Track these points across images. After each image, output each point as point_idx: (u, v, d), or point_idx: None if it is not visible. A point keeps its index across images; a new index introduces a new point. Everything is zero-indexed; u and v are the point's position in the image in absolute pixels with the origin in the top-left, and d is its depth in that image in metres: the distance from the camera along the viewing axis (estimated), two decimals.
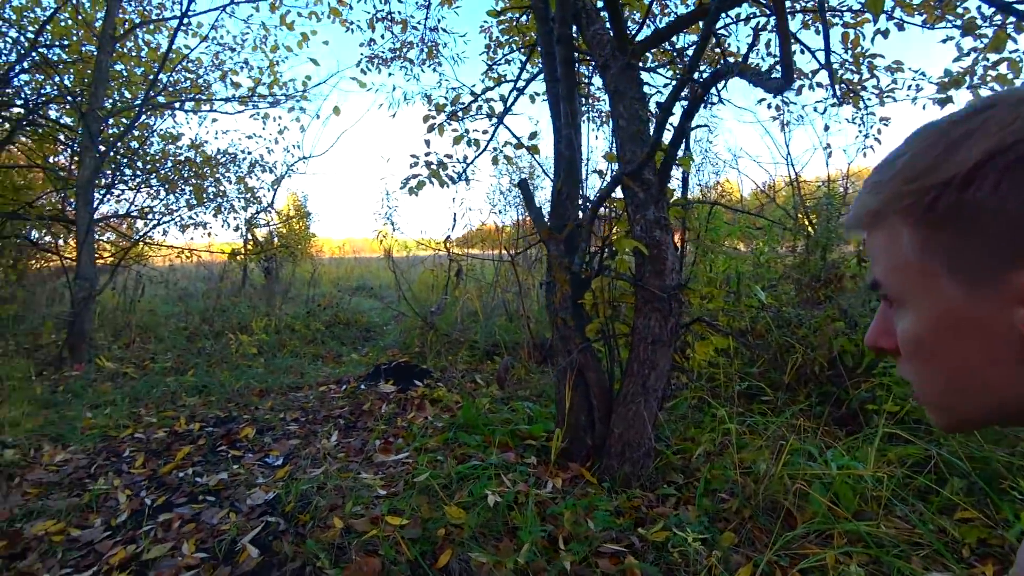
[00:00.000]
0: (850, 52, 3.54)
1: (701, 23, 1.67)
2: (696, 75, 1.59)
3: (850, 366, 2.89)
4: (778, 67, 1.40)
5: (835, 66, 3.55)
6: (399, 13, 5.13)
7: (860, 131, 4.20)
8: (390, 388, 3.67)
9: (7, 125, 5.93)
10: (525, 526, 1.77)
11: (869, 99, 3.91)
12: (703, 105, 2.13)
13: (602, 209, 2.61)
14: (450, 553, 1.73)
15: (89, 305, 4.67)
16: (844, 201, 5.85)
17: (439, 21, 5.09)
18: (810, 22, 3.55)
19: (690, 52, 2.79)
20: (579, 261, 2.37)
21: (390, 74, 5.60)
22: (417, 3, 5.01)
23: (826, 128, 5.99)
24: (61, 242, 7.01)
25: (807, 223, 5.72)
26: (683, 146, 2.59)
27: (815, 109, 4.41)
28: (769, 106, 4.52)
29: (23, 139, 6.32)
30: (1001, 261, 0.35)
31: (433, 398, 3.42)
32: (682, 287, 2.13)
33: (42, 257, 6.99)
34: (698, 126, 2.34)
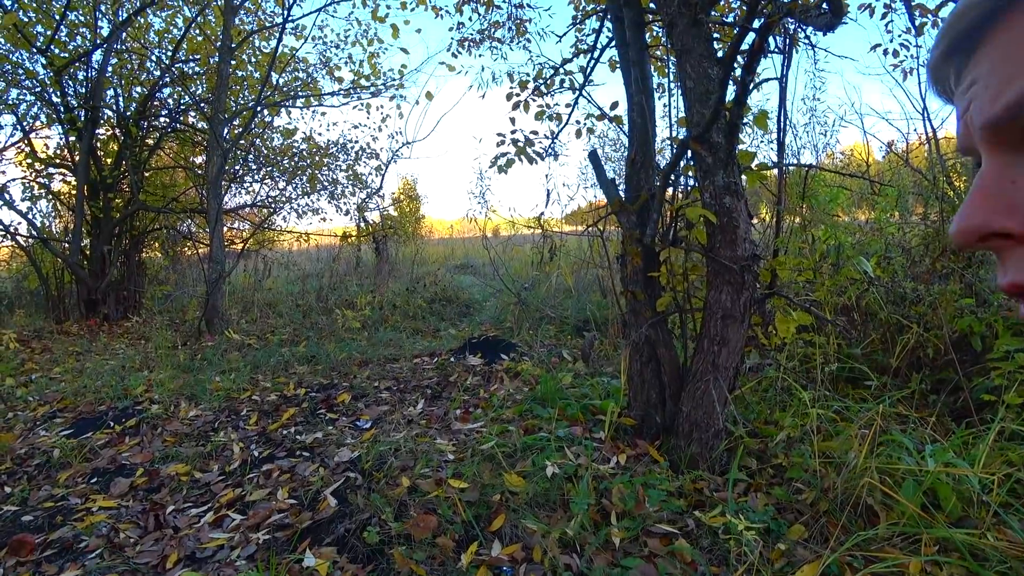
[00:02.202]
0: None
1: None
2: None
3: (978, 350, 2.51)
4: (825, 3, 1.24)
5: None
6: None
7: None
8: (477, 361, 3.79)
9: (156, 133, 6.87)
10: (576, 498, 1.77)
11: None
12: (780, 53, 1.93)
13: (681, 178, 2.49)
14: (503, 518, 1.78)
15: (220, 285, 5.31)
16: None
17: None
18: None
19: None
20: (651, 232, 2.28)
21: (480, 55, 5.69)
22: None
23: None
24: (204, 231, 8.02)
25: (946, 185, 5.00)
26: (778, 104, 2.38)
27: None
28: (886, 52, 3.97)
29: (170, 144, 7.28)
30: None
31: (516, 371, 3.48)
32: (757, 258, 1.98)
33: (191, 244, 8.04)
34: (781, 78, 2.12)
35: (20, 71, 5.74)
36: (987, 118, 0.28)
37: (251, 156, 7.15)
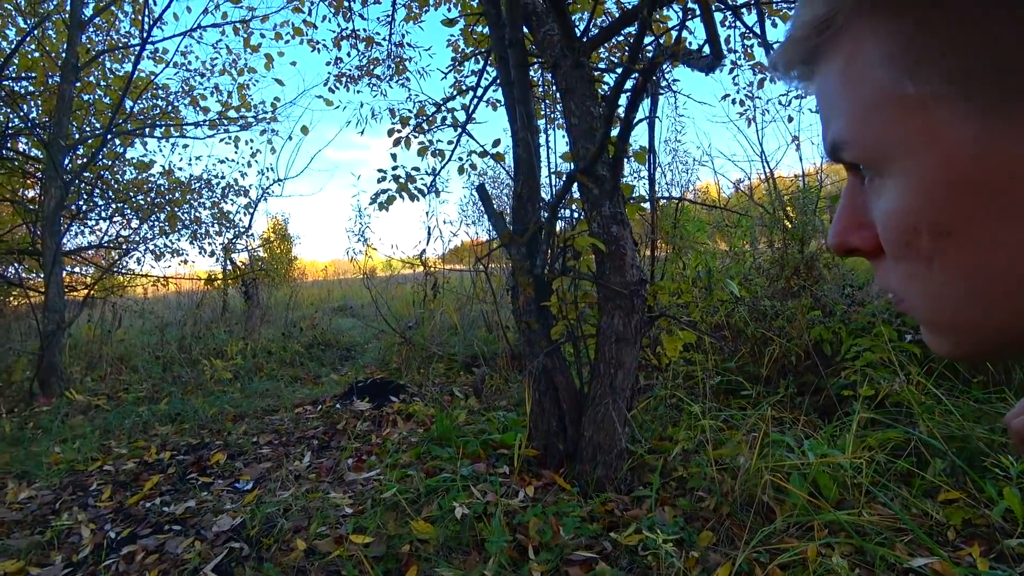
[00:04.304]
0: None
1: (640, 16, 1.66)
2: (638, 66, 1.57)
3: (828, 355, 2.86)
4: (707, 47, 1.38)
5: None
6: (364, 31, 5.12)
7: None
8: (365, 405, 3.60)
9: None
10: (491, 537, 1.71)
11: None
12: (647, 95, 2.11)
13: (566, 211, 2.59)
14: (415, 569, 1.67)
15: (58, 338, 4.57)
16: (820, 195, 5.88)
17: (403, 36, 5.09)
18: (766, 15, 3.57)
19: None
20: (541, 263, 2.33)
21: (358, 91, 5.63)
22: (379, 19, 4.98)
23: (790, 120, 6.01)
24: (36, 277, 6.90)
25: (784, 218, 5.74)
26: (647, 143, 2.58)
27: (780, 102, 4.42)
28: (734, 101, 4.52)
29: None
30: None
31: (408, 413, 3.36)
32: (644, 283, 2.09)
33: (19, 293, 6.86)
34: (649, 118, 2.32)
35: None
36: (824, 148, 0.31)
37: (97, 190, 6.33)
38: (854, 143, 0.28)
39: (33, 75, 5.81)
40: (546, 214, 2.30)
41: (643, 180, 5.21)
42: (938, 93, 0.24)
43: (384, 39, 5.08)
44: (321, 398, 4.02)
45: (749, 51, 4.31)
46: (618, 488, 2.12)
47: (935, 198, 0.25)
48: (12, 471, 2.94)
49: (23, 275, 6.65)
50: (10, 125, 5.84)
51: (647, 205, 2.85)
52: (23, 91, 5.86)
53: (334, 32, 5.03)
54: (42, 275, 5.34)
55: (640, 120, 2.44)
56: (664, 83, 3.22)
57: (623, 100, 1.99)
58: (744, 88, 4.74)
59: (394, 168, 3.52)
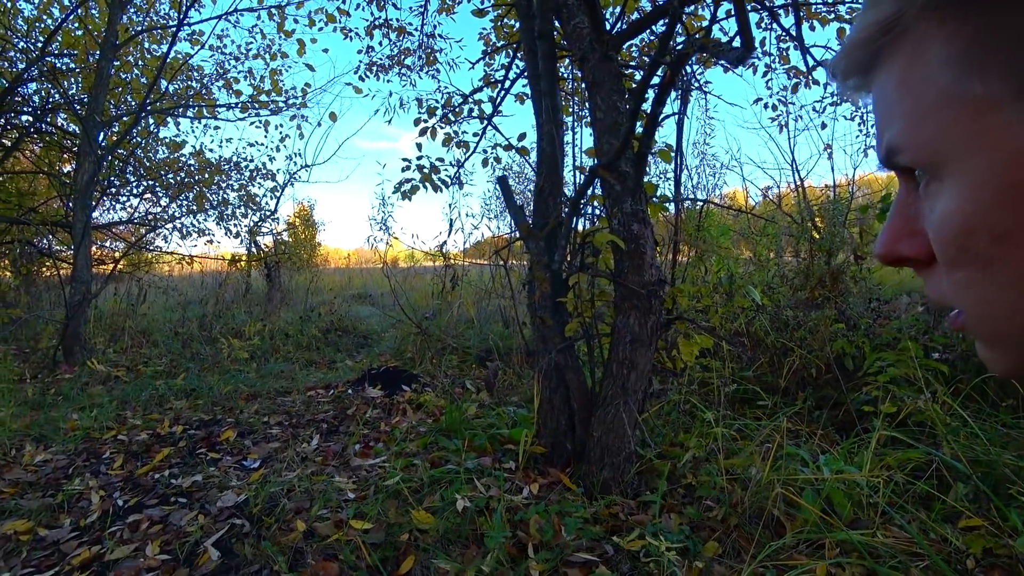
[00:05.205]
0: None
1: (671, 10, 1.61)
2: (667, 60, 1.52)
3: (850, 369, 2.78)
4: (738, 38, 1.33)
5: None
6: (396, 20, 5.12)
7: (861, 129, 4.10)
8: (377, 393, 3.61)
9: (15, 132, 6.03)
10: (491, 532, 1.68)
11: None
12: (677, 92, 2.06)
13: (588, 207, 2.55)
14: (413, 559, 1.65)
15: (84, 309, 4.67)
16: (850, 207, 5.73)
17: (435, 27, 5.07)
18: (804, 17, 3.47)
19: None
20: (559, 259, 2.30)
21: (388, 81, 5.67)
22: (412, 9, 4.99)
23: (823, 127, 5.86)
24: (68, 249, 7.08)
25: (812, 229, 5.61)
26: (675, 142, 2.53)
27: (814, 108, 4.30)
28: (766, 106, 4.42)
29: (32, 146, 6.42)
30: None
31: (419, 403, 3.35)
32: (663, 284, 2.04)
33: (50, 264, 7.06)
34: (679, 116, 2.26)
35: None
36: (878, 155, 0.30)
37: (130, 167, 6.46)
38: (912, 146, 0.28)
39: (75, 52, 5.96)
40: (567, 209, 2.26)
41: (669, 181, 5.13)
42: (1001, 94, 0.23)
43: (416, 29, 5.08)
44: (334, 383, 4.04)
45: (784, 54, 4.20)
46: (624, 491, 2.08)
47: (994, 200, 0.24)
48: (31, 434, 3.00)
49: (55, 247, 6.83)
50: (50, 100, 6.00)
51: (671, 206, 2.80)
52: (64, 67, 6.00)
53: (367, 20, 5.04)
54: (70, 247, 5.48)
55: (667, 116, 2.39)
56: (695, 83, 3.15)
57: (650, 95, 1.94)
58: (777, 93, 4.63)
59: (419, 158, 3.52)
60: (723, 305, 2.95)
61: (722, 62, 1.46)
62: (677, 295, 2.36)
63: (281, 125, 9.20)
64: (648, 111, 1.81)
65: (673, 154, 2.55)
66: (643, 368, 2.05)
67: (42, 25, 5.97)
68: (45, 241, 6.80)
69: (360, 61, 5.25)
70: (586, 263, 2.21)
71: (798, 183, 6.96)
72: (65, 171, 6.70)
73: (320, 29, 5.57)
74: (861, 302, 3.46)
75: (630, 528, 1.83)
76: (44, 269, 7.11)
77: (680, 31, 2.66)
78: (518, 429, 2.56)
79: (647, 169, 2.08)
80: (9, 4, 5.65)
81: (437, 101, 4.20)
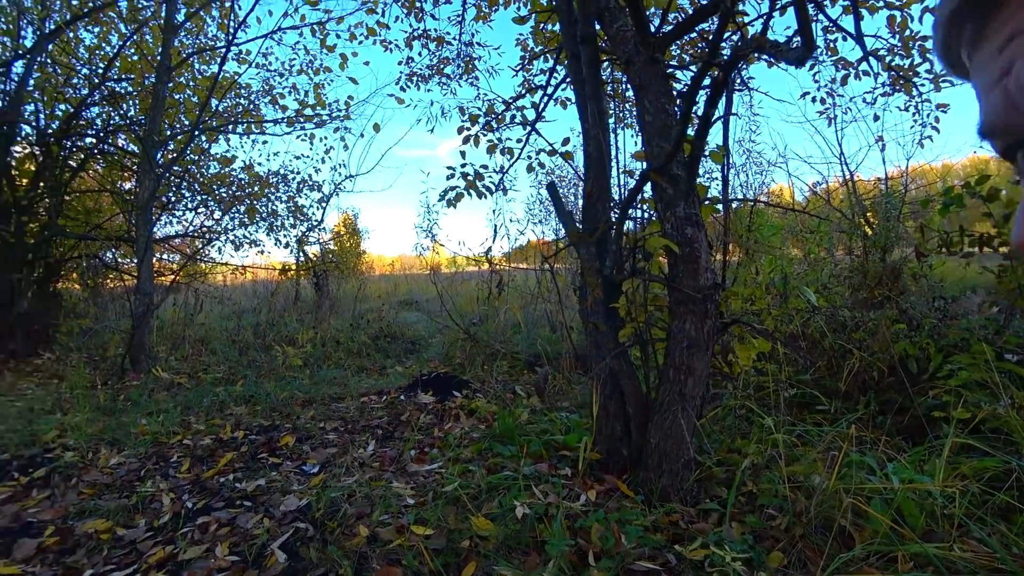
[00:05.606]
0: (898, 36, 3.30)
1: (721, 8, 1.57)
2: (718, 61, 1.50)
3: (914, 372, 2.66)
4: (797, 37, 1.30)
5: (883, 52, 3.32)
6: (435, 31, 5.21)
7: (916, 120, 3.92)
8: (429, 399, 3.66)
9: (80, 154, 6.41)
10: (552, 540, 1.69)
11: (922, 85, 3.64)
12: (727, 91, 2.02)
13: (637, 210, 2.53)
14: (474, 566, 1.67)
15: (148, 319, 4.91)
16: (904, 200, 5.49)
17: (473, 35, 5.14)
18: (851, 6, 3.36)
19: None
20: (610, 264, 2.29)
21: (428, 90, 5.77)
22: (450, 19, 5.05)
23: (876, 118, 5.61)
24: (130, 262, 7.47)
25: (864, 224, 5.40)
26: (721, 141, 2.48)
27: (864, 100, 4.15)
28: (814, 99, 4.28)
29: (95, 166, 6.81)
30: None
31: (471, 409, 3.38)
32: (718, 287, 2.01)
33: (116, 275, 7.46)
34: (724, 116, 2.22)
35: None
36: (979, 133, 0.27)
37: (184, 183, 6.77)
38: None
39: (132, 76, 6.30)
40: (616, 214, 2.25)
41: (715, 181, 5.04)
42: None
43: (454, 38, 5.16)
44: (386, 389, 4.12)
45: (832, 46, 4.07)
46: (684, 499, 2.05)
47: None
48: (105, 438, 3.17)
49: (119, 260, 7.22)
50: (112, 122, 6.35)
51: (720, 206, 2.75)
52: (123, 91, 6.35)
53: (406, 32, 5.15)
54: (135, 260, 5.77)
55: (717, 119, 2.34)
56: (740, 80, 3.07)
57: (700, 96, 1.91)
58: (826, 85, 4.48)
59: (463, 166, 3.56)
60: (777, 307, 2.87)
61: (781, 62, 1.43)
62: (730, 297, 2.32)
63: (326, 137, 9.46)
64: (699, 113, 1.79)
65: (711, 153, 2.50)
66: (700, 373, 2.02)
67: (101, 52, 6.33)
68: (109, 255, 7.20)
69: (401, 72, 5.36)
70: (638, 268, 2.19)
71: (847, 177, 6.71)
72: (126, 188, 7.08)
73: (360, 43, 5.72)
74: (923, 301, 3.31)
75: (691, 537, 1.80)
76: (108, 281, 7.52)
77: (729, 29, 2.61)
78: (573, 435, 2.56)
79: (698, 170, 2.05)
80: (71, 34, 6.01)
81: (479, 109, 4.24)
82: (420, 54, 5.31)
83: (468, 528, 1.84)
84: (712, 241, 2.21)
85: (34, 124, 5.98)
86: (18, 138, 5.80)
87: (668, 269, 2.13)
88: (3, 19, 5.58)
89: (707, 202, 2.36)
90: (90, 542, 2.05)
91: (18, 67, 5.66)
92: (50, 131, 5.99)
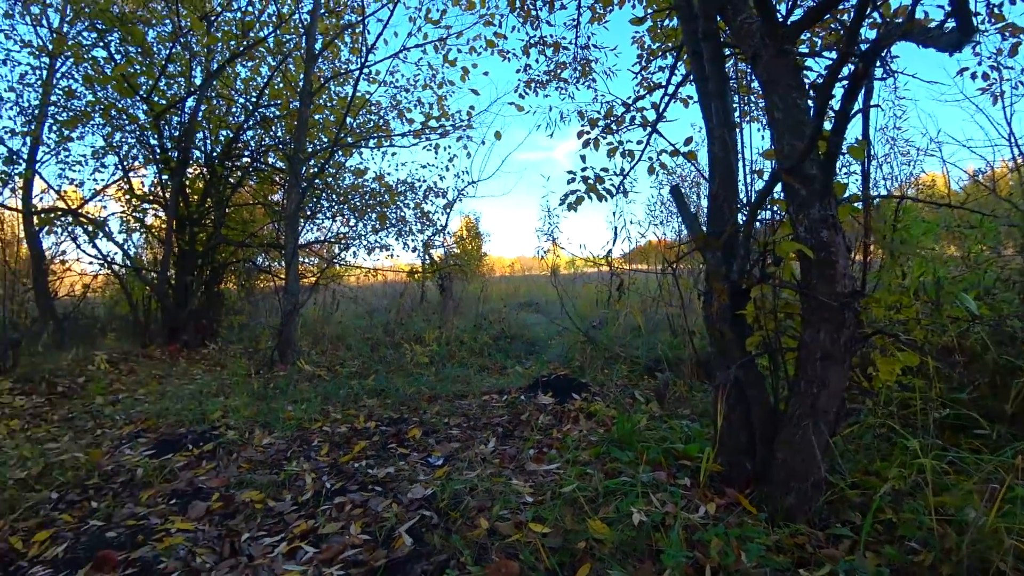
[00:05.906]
0: None
1: None
2: (857, 49, 1.38)
3: None
4: (951, 20, 1.16)
5: None
6: (551, 36, 5.29)
7: None
8: (548, 400, 3.73)
9: (238, 172, 7.36)
10: (669, 550, 1.67)
11: None
12: (868, 82, 1.84)
13: (766, 211, 2.40)
14: (588, 567, 1.70)
15: (294, 317, 5.51)
16: None
17: (589, 38, 5.14)
18: None
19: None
20: (738, 269, 2.19)
21: (546, 95, 5.90)
22: (565, 24, 5.10)
23: None
24: (278, 265, 8.42)
25: None
26: (860, 134, 2.28)
27: None
28: (974, 76, 3.75)
29: (250, 182, 7.78)
30: None
31: (590, 412, 3.40)
32: (858, 294, 1.86)
33: (266, 277, 8.46)
34: (864, 108, 2.03)
35: (124, 117, 6.32)
36: None
37: (324, 194, 7.52)
38: None
39: (279, 102, 7.12)
40: (744, 216, 2.15)
41: (854, 175, 4.60)
42: None
43: (570, 43, 5.20)
44: (506, 388, 4.26)
45: (995, 11, 3.51)
46: (811, 521, 1.92)
47: None
48: (258, 420, 3.61)
49: (269, 263, 8.19)
50: (263, 143, 7.22)
51: (859, 204, 2.51)
52: (272, 116, 7.20)
53: (523, 41, 5.28)
54: (282, 263, 6.50)
55: (856, 112, 2.16)
56: (882, 69, 2.76)
57: (836, 89, 1.76)
58: (989, 57, 3.87)
59: (583, 169, 3.56)
60: (928, 316, 2.56)
61: (931, 48, 1.28)
62: (871, 305, 2.12)
63: (449, 146, 9.97)
64: (836, 108, 1.66)
65: (850, 148, 2.30)
66: (835, 387, 1.88)
67: (254, 83, 7.22)
68: (261, 259, 8.17)
69: (519, 80, 5.50)
70: (767, 273, 2.09)
71: (1019, 162, 5.76)
72: (275, 199, 8.00)
73: (479, 55, 5.96)
74: None
75: (819, 562, 1.68)
76: (260, 282, 8.53)
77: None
78: (694, 445, 2.49)
79: (835, 169, 1.91)
80: (230, 70, 6.92)
81: (597, 112, 4.24)
82: (537, 61, 5.41)
83: (584, 530, 1.87)
84: (850, 242, 2.05)
85: (202, 149, 6.99)
86: (191, 161, 6.80)
87: (800, 274, 2.00)
88: (179, 63, 6.56)
89: (845, 201, 2.18)
90: (247, 509, 2.35)
91: (190, 102, 6.68)
92: (215, 154, 6.96)
